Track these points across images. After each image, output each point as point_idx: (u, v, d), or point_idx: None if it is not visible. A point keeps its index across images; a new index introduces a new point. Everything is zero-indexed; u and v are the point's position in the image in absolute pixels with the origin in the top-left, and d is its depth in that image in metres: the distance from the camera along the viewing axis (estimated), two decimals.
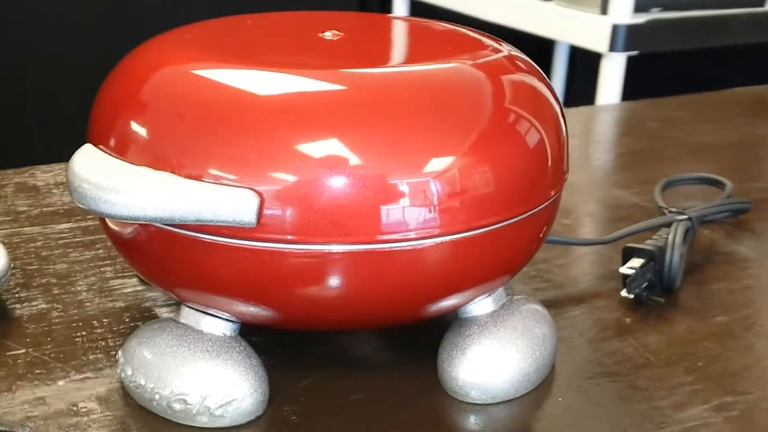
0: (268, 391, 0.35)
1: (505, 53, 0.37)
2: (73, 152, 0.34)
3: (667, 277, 0.44)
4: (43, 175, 0.59)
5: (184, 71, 0.34)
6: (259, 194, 0.30)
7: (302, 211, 0.31)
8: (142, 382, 0.34)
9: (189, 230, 0.32)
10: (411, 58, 0.38)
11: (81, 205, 0.32)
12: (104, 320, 0.41)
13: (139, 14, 1.59)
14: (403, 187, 0.31)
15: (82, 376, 0.37)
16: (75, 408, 0.35)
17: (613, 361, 0.39)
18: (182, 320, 0.36)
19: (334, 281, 0.32)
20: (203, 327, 0.35)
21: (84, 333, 0.40)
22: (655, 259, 0.44)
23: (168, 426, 0.34)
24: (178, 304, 0.41)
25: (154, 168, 0.32)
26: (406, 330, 0.40)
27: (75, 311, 0.42)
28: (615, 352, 0.40)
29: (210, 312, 0.35)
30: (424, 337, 0.39)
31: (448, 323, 0.38)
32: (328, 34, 0.38)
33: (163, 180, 0.31)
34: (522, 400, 0.36)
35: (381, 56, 0.38)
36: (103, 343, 0.39)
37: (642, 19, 1.31)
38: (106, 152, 0.34)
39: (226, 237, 0.32)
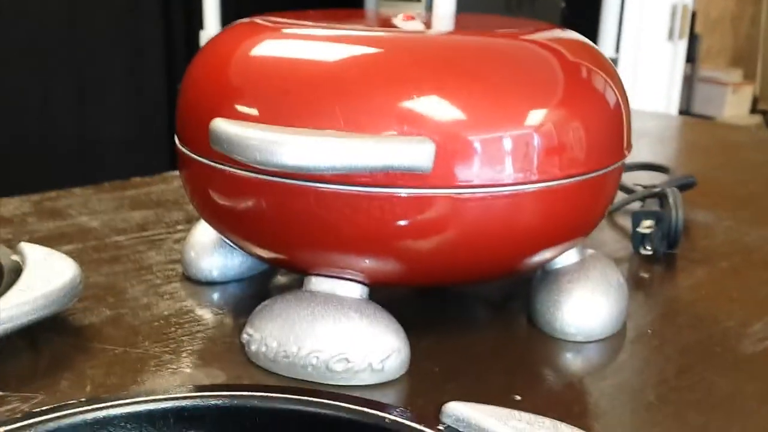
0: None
1: (564, 30, 0.41)
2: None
3: (674, 234, 0.49)
4: (2, 208, 0.55)
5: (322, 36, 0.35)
6: (441, 142, 0.32)
7: (449, 158, 0.33)
8: (294, 349, 0.34)
9: (333, 183, 0.33)
10: (497, 31, 0.42)
11: (249, 161, 0.32)
12: (184, 317, 0.40)
13: None
14: (535, 135, 0.34)
15: (204, 361, 0.36)
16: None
17: (664, 301, 0.44)
18: (314, 288, 0.36)
19: (464, 225, 0.35)
20: (339, 292, 0.36)
21: (172, 330, 0.39)
22: (662, 219, 0.49)
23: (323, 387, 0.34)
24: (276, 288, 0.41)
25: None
26: (489, 290, 0.43)
27: (147, 313, 0.40)
28: (665, 295, 0.45)
29: (343, 276, 0.36)
30: (508, 293, 0.42)
31: (528, 279, 0.41)
32: (399, 17, 0.41)
33: (342, 135, 0.32)
34: (615, 337, 0.40)
35: (472, 29, 0.41)
36: (202, 334, 0.38)
37: None
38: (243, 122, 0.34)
39: (370, 186, 0.33)
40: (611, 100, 0.38)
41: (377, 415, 0.27)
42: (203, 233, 0.45)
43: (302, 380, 0.34)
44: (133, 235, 0.51)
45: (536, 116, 0.35)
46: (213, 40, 0.40)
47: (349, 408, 0.28)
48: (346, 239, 0.35)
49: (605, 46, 1.81)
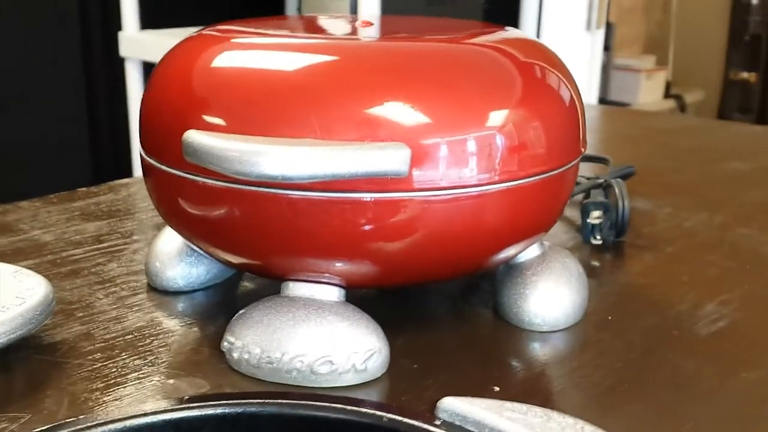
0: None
1: (518, 33, 0.43)
2: None
3: (621, 223, 0.52)
4: None
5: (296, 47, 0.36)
6: (409, 147, 0.33)
7: (419, 162, 0.34)
8: (278, 355, 0.35)
9: (305, 190, 0.34)
10: (451, 36, 0.43)
11: (228, 172, 0.32)
12: (157, 328, 0.40)
13: None
14: (490, 139, 0.36)
15: (184, 371, 0.36)
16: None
17: (619, 288, 0.46)
18: (292, 293, 0.37)
19: (434, 226, 0.36)
20: (318, 296, 0.37)
21: (147, 341, 0.39)
22: (609, 209, 0.51)
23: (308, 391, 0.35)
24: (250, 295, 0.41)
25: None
26: (449, 285, 0.44)
27: (119, 326, 0.40)
28: (618, 282, 0.47)
29: (320, 280, 0.37)
30: (469, 286, 0.44)
31: (489, 273, 0.43)
32: (357, 23, 0.42)
33: (317, 143, 0.33)
34: (578, 325, 0.42)
35: (429, 34, 0.42)
36: (177, 344, 0.39)
37: None
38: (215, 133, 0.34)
39: (341, 192, 0.34)
40: (567, 98, 0.40)
41: (375, 415, 0.28)
42: (167, 243, 0.45)
43: (286, 385, 0.35)
44: (89, 247, 0.51)
45: (499, 118, 0.36)
46: (177, 50, 0.40)
47: (345, 409, 0.28)
48: (320, 245, 0.36)
49: None
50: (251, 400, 0.29)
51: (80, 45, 1.78)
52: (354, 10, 1.42)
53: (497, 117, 0.36)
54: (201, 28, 0.41)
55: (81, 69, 1.77)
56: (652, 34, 3.51)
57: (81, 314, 0.41)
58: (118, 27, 1.71)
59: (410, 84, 0.35)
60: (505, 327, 0.41)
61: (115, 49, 1.72)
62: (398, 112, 0.34)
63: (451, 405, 0.28)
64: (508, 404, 0.28)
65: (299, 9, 1.92)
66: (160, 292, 0.44)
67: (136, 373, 0.36)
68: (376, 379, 0.36)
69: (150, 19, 1.74)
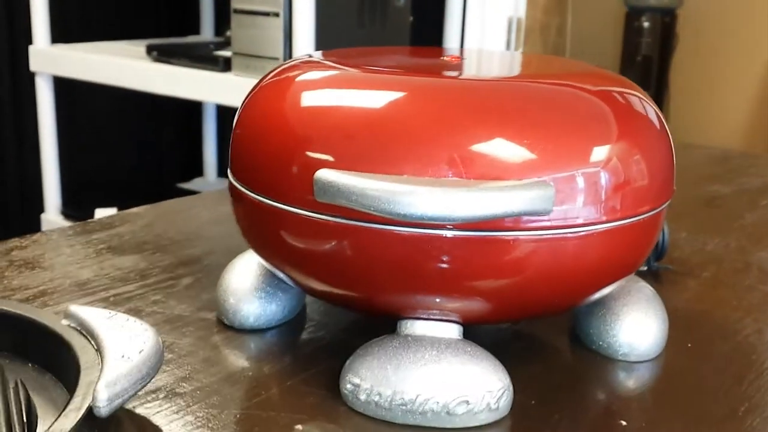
0: None
1: (597, 69, 0.43)
2: None
3: (661, 249, 0.53)
4: None
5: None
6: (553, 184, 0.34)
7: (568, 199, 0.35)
8: (412, 396, 0.34)
9: (423, 228, 0.34)
10: (544, 73, 0.43)
11: (378, 211, 0.32)
12: (253, 370, 0.39)
13: None
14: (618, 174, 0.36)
15: (306, 414, 0.35)
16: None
17: (681, 316, 0.47)
18: (412, 332, 0.36)
19: (562, 261, 0.36)
20: (441, 334, 0.36)
21: (254, 385, 0.38)
22: None
23: None
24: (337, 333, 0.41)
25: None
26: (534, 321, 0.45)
27: (214, 369, 0.39)
28: (678, 309, 0.48)
29: (441, 318, 0.36)
30: (554, 324, 0.44)
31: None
32: (446, 57, 0.42)
33: (463, 182, 0.33)
34: (663, 353, 0.43)
35: (525, 73, 0.42)
36: (281, 386, 0.37)
37: None
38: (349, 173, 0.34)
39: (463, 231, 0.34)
40: (666, 137, 0.40)
41: None
42: (239, 280, 0.43)
43: (418, 426, 0.35)
44: (136, 283, 0.48)
45: (617, 158, 0.36)
46: (279, 83, 0.39)
47: None
48: (439, 282, 0.35)
49: None
50: None
51: None
52: (288, 33, 1.41)
53: (617, 158, 0.36)
54: (292, 61, 0.40)
55: None
56: (549, 54, 3.63)
57: (170, 356, 0.40)
58: (28, 41, 1.64)
59: (544, 122, 0.35)
60: (590, 356, 0.42)
61: (24, 63, 1.65)
62: (538, 149, 0.34)
63: None
64: None
65: (217, 27, 1.89)
66: (235, 329, 0.43)
67: (258, 418, 0.35)
68: (505, 416, 0.36)
69: (60, 33, 1.68)
